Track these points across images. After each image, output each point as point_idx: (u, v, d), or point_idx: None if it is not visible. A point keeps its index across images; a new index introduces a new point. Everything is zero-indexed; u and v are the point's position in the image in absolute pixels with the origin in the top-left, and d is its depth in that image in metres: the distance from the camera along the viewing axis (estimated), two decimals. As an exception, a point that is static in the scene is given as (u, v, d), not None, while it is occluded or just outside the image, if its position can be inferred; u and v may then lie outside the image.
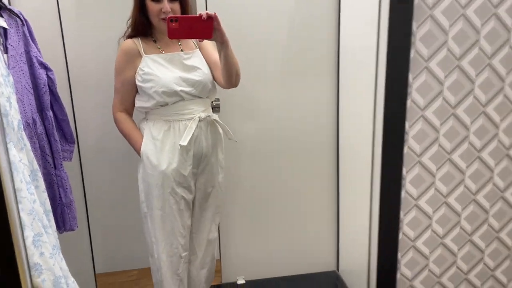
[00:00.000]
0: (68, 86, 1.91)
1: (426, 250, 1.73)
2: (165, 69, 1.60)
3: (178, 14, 1.56)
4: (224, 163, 1.80)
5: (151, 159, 1.64)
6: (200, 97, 1.66)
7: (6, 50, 1.44)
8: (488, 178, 1.69)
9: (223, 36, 1.46)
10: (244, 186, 2.12)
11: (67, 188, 1.72)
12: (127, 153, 1.92)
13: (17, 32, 1.51)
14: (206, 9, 1.85)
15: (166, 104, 1.61)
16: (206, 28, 1.41)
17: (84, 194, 2.06)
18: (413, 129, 1.59)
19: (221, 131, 1.74)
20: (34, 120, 1.57)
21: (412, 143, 1.61)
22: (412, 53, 1.51)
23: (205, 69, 1.65)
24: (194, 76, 1.61)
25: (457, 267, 1.77)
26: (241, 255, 2.17)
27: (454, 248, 1.75)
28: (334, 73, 2.02)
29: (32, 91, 1.58)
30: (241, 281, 2.18)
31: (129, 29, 1.65)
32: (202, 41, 1.60)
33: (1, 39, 1.43)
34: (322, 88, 2.03)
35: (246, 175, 2.10)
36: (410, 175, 1.64)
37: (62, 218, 1.74)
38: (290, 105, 2.02)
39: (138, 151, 1.67)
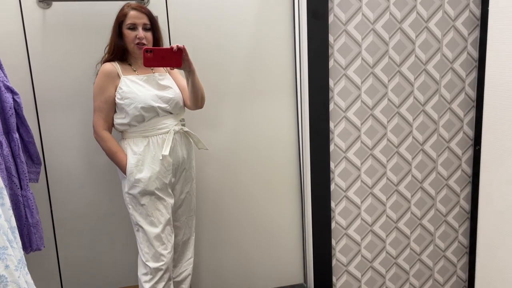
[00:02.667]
0: (35, 108, 1.99)
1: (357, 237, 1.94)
2: (142, 88, 1.82)
3: (151, 42, 1.81)
4: (195, 171, 1.99)
5: (135, 172, 1.84)
6: (172, 113, 1.88)
7: (-28, 75, 1.54)
8: (407, 171, 1.93)
9: (191, 65, 1.71)
10: (210, 201, 2.17)
11: (33, 209, 1.78)
12: (94, 173, 2.04)
13: (-17, 58, 1.61)
14: (169, 38, 2.06)
15: (143, 120, 1.83)
16: (176, 58, 1.66)
17: (51, 214, 2.08)
18: (337, 128, 1.82)
19: (200, 139, 1.93)
20: (0, 142, 1.64)
21: (338, 141, 1.84)
22: (331, 63, 1.75)
23: (176, 88, 1.88)
24: (168, 94, 1.84)
25: (387, 252, 1.98)
26: (209, 270, 2.25)
27: (382, 234, 1.96)
28: (292, 91, 2.09)
29: (-2, 114, 1.65)
30: (211, 298, 2.27)
31: (107, 55, 1.86)
32: (173, 69, 1.80)
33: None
34: (281, 105, 2.09)
35: (213, 189, 2.16)
36: (338, 169, 1.86)
37: (29, 238, 1.79)
38: (252, 122, 2.12)
39: (124, 169, 1.86)
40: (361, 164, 1.88)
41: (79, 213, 2.15)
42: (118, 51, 1.83)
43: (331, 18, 1.72)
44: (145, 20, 1.79)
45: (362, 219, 1.93)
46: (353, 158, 1.87)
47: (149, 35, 1.80)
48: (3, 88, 1.68)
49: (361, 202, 1.92)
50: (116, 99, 1.82)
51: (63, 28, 1.94)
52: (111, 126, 1.88)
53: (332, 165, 1.85)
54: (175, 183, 1.90)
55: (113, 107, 1.84)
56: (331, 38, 1.74)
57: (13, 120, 1.71)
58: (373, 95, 1.83)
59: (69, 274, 2.17)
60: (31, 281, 1.54)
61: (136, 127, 1.84)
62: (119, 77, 1.82)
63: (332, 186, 1.88)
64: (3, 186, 1.52)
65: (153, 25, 1.81)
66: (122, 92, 1.81)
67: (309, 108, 1.78)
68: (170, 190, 1.88)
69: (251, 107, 2.08)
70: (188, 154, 1.92)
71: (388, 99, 1.84)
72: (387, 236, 1.97)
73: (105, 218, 2.00)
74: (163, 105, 1.82)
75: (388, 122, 1.87)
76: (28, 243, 1.80)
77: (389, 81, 1.83)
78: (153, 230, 1.85)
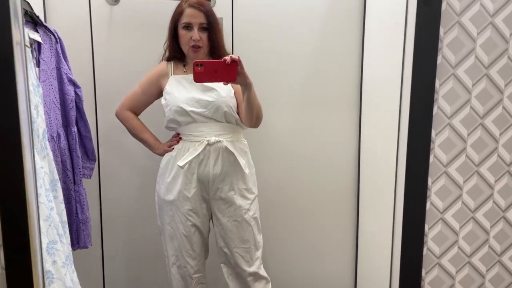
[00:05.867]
0: (94, 104, 1.95)
1: (452, 269, 1.63)
2: (183, 89, 1.66)
3: (206, 44, 1.65)
4: (251, 196, 1.71)
5: (162, 172, 1.70)
6: (216, 120, 1.65)
7: (38, 64, 1.51)
8: (518, 195, 1.61)
9: (246, 79, 1.48)
10: (262, 220, 1.96)
11: (84, 205, 1.73)
12: (147, 175, 1.95)
13: (51, 49, 1.59)
14: (232, 43, 1.93)
15: (179, 125, 1.66)
16: (230, 71, 1.45)
17: (100, 213, 2.04)
18: (439, 138, 1.55)
19: (242, 160, 1.67)
20: (58, 134, 1.61)
21: (438, 152, 1.56)
22: (439, 59, 1.49)
23: (224, 92, 1.64)
24: (208, 97, 1.62)
25: (486, 291, 1.66)
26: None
27: (483, 269, 1.65)
28: (356, 104, 1.98)
29: (59, 106, 1.63)
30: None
31: (166, 53, 1.76)
32: (227, 84, 1.59)
33: (34, 53, 1.48)
34: (342, 116, 1.99)
35: (263, 208, 1.95)
36: (435, 186, 1.58)
37: (77, 235, 1.74)
38: (310, 136, 2.00)
39: (151, 147, 1.75)
40: (464, 182, 1.59)
41: (128, 214, 2.08)
42: (172, 52, 1.73)
43: (443, 6, 1.46)
44: (201, 19, 1.60)
45: (459, 247, 1.63)
46: (454, 174, 1.58)
47: (205, 36, 1.62)
48: (66, 81, 1.65)
49: (460, 228, 1.62)
50: (162, 100, 1.71)
51: (129, 25, 1.91)
52: (136, 110, 1.79)
53: (429, 180, 1.57)
54: (211, 201, 1.67)
55: (146, 102, 1.76)
56: (441, 30, 1.48)
57: (73, 114, 1.68)
58: (486, 101, 1.54)
59: (113, 275, 2.11)
60: (76, 280, 1.40)
61: (179, 129, 1.70)
62: (168, 76, 1.71)
63: (428, 206, 1.59)
64: (58, 178, 1.43)
65: (210, 25, 1.62)
66: (165, 92, 1.68)
67: (409, 109, 1.51)
68: (201, 208, 1.66)
69: (311, 115, 2.03)
70: (228, 172, 1.64)
71: (503, 108, 1.55)
72: (487, 271, 1.65)
73: (154, 222, 1.85)
74: (199, 110, 1.61)
75: (500, 135, 1.57)
76: (76, 240, 1.74)
77: (505, 85, 1.54)
78: (169, 240, 1.73)
